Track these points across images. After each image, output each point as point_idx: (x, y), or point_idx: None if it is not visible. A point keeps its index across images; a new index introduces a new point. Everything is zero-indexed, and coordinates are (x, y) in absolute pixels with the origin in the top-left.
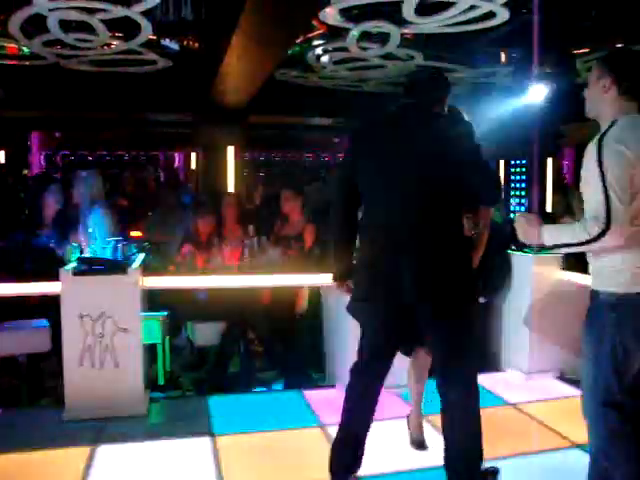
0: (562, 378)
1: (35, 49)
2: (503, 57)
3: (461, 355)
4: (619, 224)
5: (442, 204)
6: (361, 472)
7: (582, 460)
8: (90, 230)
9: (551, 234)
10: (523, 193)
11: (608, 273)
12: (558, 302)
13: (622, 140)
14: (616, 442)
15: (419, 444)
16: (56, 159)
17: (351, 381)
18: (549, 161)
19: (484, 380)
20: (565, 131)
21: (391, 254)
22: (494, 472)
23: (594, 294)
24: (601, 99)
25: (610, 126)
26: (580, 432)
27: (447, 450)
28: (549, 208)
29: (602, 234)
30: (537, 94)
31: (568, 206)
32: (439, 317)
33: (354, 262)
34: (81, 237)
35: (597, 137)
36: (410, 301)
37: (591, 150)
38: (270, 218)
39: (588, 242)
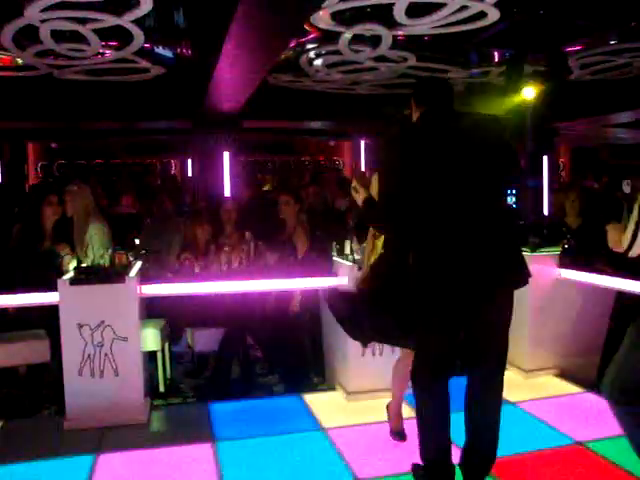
0: (561, 376)
1: (28, 60)
2: (496, 56)
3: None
4: None
5: (498, 199)
6: (365, 474)
7: (584, 458)
8: (87, 240)
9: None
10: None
11: None
12: (556, 300)
13: None
14: None
15: (398, 434)
16: (53, 169)
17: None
18: (544, 159)
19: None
20: (559, 128)
21: (468, 256)
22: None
23: None
24: None
25: None
26: (581, 429)
27: (476, 445)
28: (545, 206)
29: None
30: (530, 93)
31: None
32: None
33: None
34: (77, 247)
35: None
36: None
37: None
38: (266, 222)
39: None
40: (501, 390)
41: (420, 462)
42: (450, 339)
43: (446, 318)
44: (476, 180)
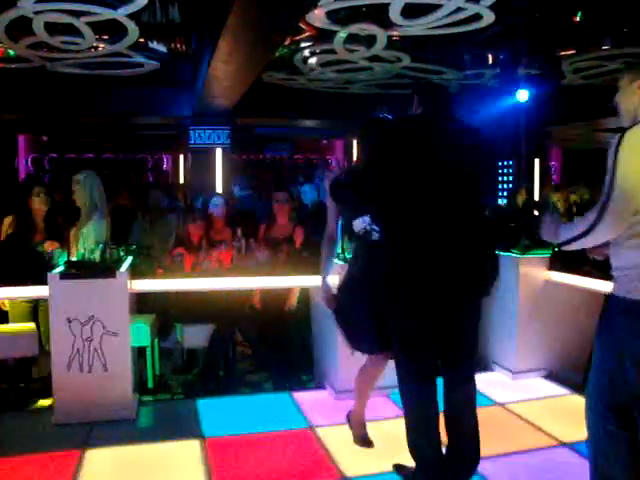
0: (549, 377)
1: (21, 52)
2: (490, 59)
3: (475, 349)
4: (607, 221)
5: (477, 208)
6: (353, 472)
7: (570, 459)
8: (84, 233)
9: (564, 229)
10: (505, 194)
11: (620, 278)
12: (545, 302)
13: None
14: (614, 445)
15: (365, 441)
16: (44, 162)
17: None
18: (536, 161)
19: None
20: (551, 132)
21: (443, 262)
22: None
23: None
24: (637, 100)
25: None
26: (567, 431)
27: (459, 447)
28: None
29: (590, 229)
30: (523, 96)
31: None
32: (473, 306)
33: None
34: (72, 240)
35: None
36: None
37: (613, 143)
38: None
39: (580, 236)
40: (475, 392)
41: (402, 463)
42: (432, 348)
43: (425, 327)
44: (460, 187)
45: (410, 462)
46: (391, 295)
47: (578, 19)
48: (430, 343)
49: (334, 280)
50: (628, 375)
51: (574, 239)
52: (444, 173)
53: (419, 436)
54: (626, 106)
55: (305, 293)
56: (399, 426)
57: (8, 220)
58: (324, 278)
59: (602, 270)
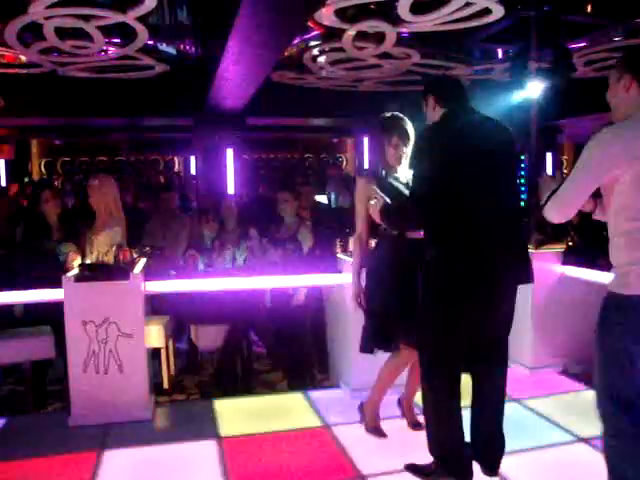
0: (566, 372)
1: (32, 57)
2: (500, 53)
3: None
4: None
5: (515, 197)
6: (370, 471)
7: (588, 454)
8: (100, 240)
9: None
10: (523, 189)
11: (615, 275)
12: (559, 297)
13: (617, 133)
14: (624, 440)
15: (378, 432)
16: (56, 166)
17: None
18: (548, 156)
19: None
20: (563, 126)
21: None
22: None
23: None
24: (623, 98)
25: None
26: (585, 426)
27: (484, 441)
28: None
29: (541, 207)
30: (534, 90)
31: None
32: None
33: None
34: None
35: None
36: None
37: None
38: (266, 220)
39: (542, 205)
40: (505, 386)
41: (416, 462)
42: (465, 337)
43: (464, 316)
44: (498, 180)
45: (424, 461)
46: (437, 281)
47: (589, 10)
48: (464, 333)
49: (347, 278)
50: (627, 372)
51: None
52: (485, 166)
53: (440, 428)
54: (615, 103)
55: (318, 292)
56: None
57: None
58: (356, 278)
59: None
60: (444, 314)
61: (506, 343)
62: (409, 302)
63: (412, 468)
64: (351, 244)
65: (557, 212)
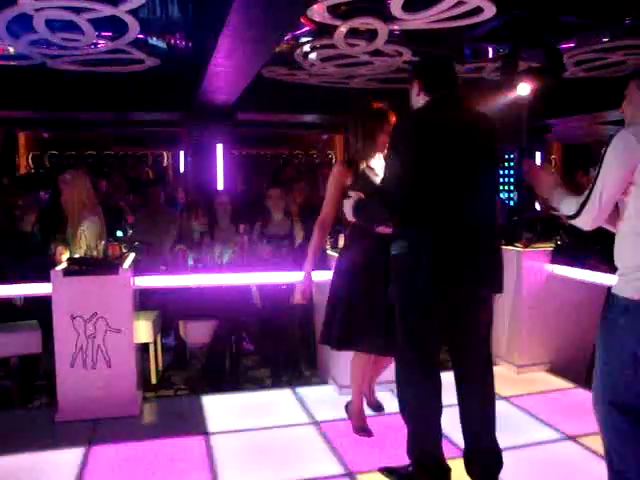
0: (553, 371)
1: (21, 49)
2: (490, 52)
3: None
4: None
5: (493, 198)
6: (358, 468)
7: (575, 452)
8: (82, 231)
9: (559, 195)
10: (512, 187)
11: (621, 278)
12: (548, 296)
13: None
14: (624, 441)
15: (364, 430)
16: (44, 160)
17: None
18: (537, 155)
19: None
20: (552, 126)
21: (467, 250)
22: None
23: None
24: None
25: None
26: (572, 424)
27: (477, 437)
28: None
29: (574, 216)
30: (524, 89)
31: None
32: (486, 302)
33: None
34: (70, 238)
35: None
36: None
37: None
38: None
39: (568, 218)
40: (493, 389)
41: (391, 465)
42: (438, 331)
43: (431, 315)
44: (475, 179)
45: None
46: (402, 278)
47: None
48: (435, 331)
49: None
50: (629, 373)
51: (567, 218)
52: (463, 161)
53: (417, 428)
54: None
55: None
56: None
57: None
58: (309, 268)
59: (606, 264)
60: (412, 313)
61: (486, 347)
62: (376, 304)
63: (387, 470)
64: (341, 240)
65: (592, 220)
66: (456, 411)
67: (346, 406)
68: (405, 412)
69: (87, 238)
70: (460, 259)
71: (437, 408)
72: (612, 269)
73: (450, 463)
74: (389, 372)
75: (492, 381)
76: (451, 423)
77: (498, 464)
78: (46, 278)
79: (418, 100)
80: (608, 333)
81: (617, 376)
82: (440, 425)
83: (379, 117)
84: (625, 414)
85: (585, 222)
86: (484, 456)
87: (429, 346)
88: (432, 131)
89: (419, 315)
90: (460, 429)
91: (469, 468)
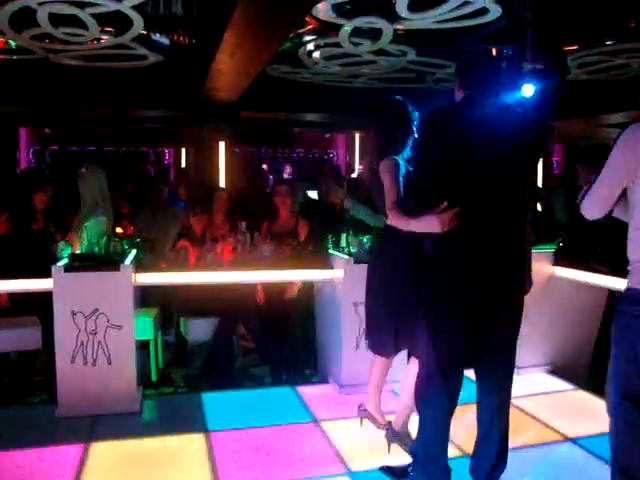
0: (553, 372)
1: (23, 43)
2: (495, 53)
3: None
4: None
5: (525, 201)
6: (358, 466)
7: (574, 454)
8: (87, 227)
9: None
10: None
11: (634, 271)
12: (549, 297)
13: None
14: (634, 436)
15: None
16: (45, 155)
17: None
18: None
19: (474, 375)
20: (554, 127)
21: (492, 254)
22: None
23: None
24: None
25: None
26: (572, 426)
27: (483, 450)
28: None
29: (579, 202)
30: (528, 91)
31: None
32: (515, 305)
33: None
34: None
35: None
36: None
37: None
38: (259, 213)
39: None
40: (509, 397)
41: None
42: (464, 339)
43: (462, 315)
44: (512, 176)
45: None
46: (429, 279)
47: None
48: (460, 333)
49: (339, 273)
50: None
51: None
52: (494, 163)
53: (432, 436)
54: None
55: (308, 287)
56: None
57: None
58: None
59: (608, 265)
60: (437, 310)
61: (510, 349)
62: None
63: (386, 469)
64: (343, 241)
65: (591, 209)
66: (458, 411)
67: (362, 408)
68: (419, 409)
69: (89, 232)
70: (484, 262)
71: (449, 416)
72: (613, 271)
73: (450, 463)
74: (392, 372)
75: (510, 384)
76: (452, 423)
77: (501, 466)
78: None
79: (457, 97)
80: (621, 325)
81: (629, 368)
82: (448, 432)
83: (408, 120)
84: (636, 408)
85: (585, 209)
86: (489, 457)
87: (453, 348)
88: (449, 128)
89: (442, 316)
90: (459, 429)
91: (472, 468)
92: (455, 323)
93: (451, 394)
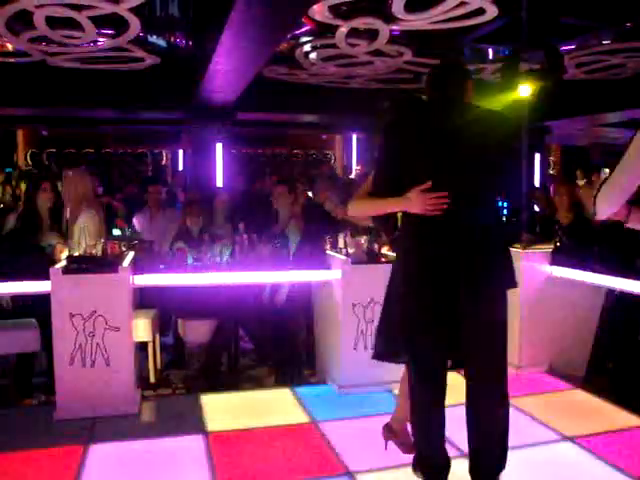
0: (552, 372)
1: (21, 46)
2: (491, 54)
3: (498, 337)
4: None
5: (488, 196)
6: (357, 467)
7: (574, 453)
8: (79, 229)
9: None
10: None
11: None
12: (547, 297)
13: None
14: None
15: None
16: (42, 157)
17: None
18: (537, 156)
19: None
20: (551, 127)
21: (446, 249)
22: None
23: None
24: None
25: None
26: (571, 425)
27: (474, 451)
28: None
29: (594, 197)
30: (525, 90)
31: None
32: (484, 300)
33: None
34: (70, 236)
35: None
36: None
37: None
38: (258, 214)
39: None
40: (498, 394)
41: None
42: (434, 338)
43: (426, 315)
44: (465, 176)
45: (408, 458)
46: (395, 284)
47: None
48: (430, 338)
49: (336, 274)
50: None
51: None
52: (441, 162)
53: (420, 432)
54: None
55: (306, 288)
56: None
57: (13, 216)
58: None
59: (605, 265)
60: (404, 308)
61: (492, 350)
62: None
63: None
64: (340, 241)
65: (606, 199)
66: (457, 411)
67: (388, 427)
68: (410, 410)
69: (87, 234)
70: (439, 258)
71: (436, 414)
72: (611, 270)
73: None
74: (388, 373)
75: (503, 381)
76: (452, 423)
77: (501, 465)
78: (44, 276)
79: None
80: None
81: None
82: (438, 431)
83: None
84: None
85: (598, 203)
86: (488, 456)
87: (425, 359)
88: (401, 131)
89: (412, 326)
90: (458, 429)
91: (472, 468)
92: (419, 320)
93: (431, 389)
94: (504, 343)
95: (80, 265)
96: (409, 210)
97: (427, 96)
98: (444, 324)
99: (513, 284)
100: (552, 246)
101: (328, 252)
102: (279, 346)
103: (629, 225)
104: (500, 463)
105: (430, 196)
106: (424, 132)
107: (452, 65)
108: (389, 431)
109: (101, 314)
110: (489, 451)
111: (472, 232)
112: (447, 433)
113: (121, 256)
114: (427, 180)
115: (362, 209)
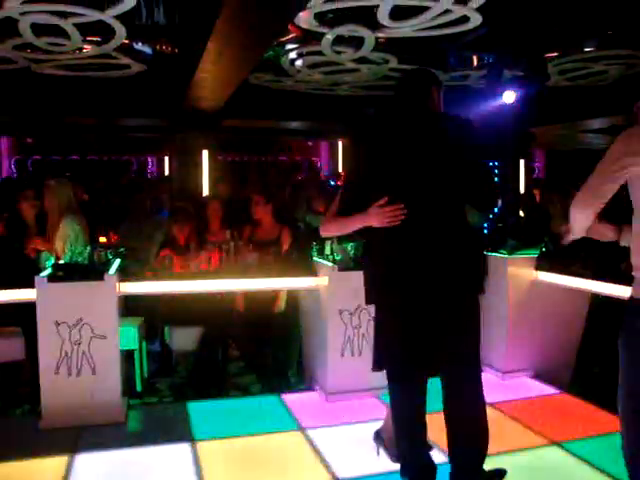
0: (538, 377)
1: (5, 53)
2: (476, 61)
3: (469, 342)
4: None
5: (451, 204)
6: (344, 474)
7: (560, 457)
8: (63, 237)
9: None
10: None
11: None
12: (533, 302)
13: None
14: None
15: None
16: (27, 164)
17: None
18: (521, 162)
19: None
20: (535, 134)
21: (411, 256)
22: (501, 474)
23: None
24: None
25: None
26: (557, 430)
27: (455, 441)
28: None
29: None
30: (509, 97)
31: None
32: (454, 304)
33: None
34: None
35: None
36: (427, 292)
37: None
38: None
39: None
40: (473, 393)
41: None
42: (401, 341)
43: (391, 318)
44: (428, 185)
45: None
46: (367, 292)
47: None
48: (400, 340)
49: (323, 281)
50: None
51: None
52: (410, 171)
53: (400, 436)
54: None
55: (293, 295)
56: None
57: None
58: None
59: (590, 270)
60: (376, 317)
61: (461, 354)
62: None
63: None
64: (327, 248)
65: (579, 208)
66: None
67: (379, 432)
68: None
69: (72, 242)
70: (403, 264)
71: (414, 416)
72: (596, 275)
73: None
74: (375, 378)
75: (477, 383)
76: (439, 430)
77: (480, 470)
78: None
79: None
80: (628, 334)
81: (638, 374)
82: (417, 432)
83: None
84: None
85: (572, 210)
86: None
87: (396, 353)
88: (361, 149)
89: (378, 327)
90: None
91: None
92: (388, 325)
93: (407, 394)
94: (474, 345)
95: (66, 273)
96: (370, 224)
97: (394, 105)
98: (413, 331)
99: (479, 290)
100: (537, 251)
101: (315, 259)
102: (266, 353)
103: (623, 244)
104: (480, 462)
105: (387, 209)
106: (382, 147)
107: (416, 72)
108: (378, 438)
109: (87, 322)
110: (469, 452)
111: (433, 240)
112: (433, 439)
113: (107, 264)
114: (388, 194)
115: (331, 230)
